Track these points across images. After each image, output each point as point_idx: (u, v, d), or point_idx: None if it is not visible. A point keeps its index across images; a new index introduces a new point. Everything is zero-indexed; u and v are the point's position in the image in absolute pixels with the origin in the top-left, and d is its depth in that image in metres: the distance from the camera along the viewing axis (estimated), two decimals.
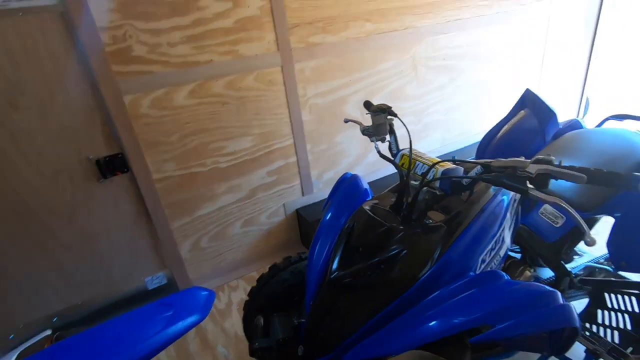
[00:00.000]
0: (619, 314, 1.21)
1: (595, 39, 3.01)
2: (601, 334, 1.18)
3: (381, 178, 2.48)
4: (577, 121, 1.61)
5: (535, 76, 2.93)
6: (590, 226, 1.26)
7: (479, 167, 0.82)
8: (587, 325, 1.22)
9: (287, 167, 2.10)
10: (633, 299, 1.17)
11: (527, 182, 0.71)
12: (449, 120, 2.62)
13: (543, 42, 2.83)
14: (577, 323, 0.69)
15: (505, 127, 1.71)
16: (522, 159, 0.73)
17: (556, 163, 0.70)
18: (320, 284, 0.96)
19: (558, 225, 1.13)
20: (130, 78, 1.55)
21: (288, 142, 2.04)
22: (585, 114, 1.57)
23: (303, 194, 2.21)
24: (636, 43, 3.13)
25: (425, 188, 0.91)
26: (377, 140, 1.11)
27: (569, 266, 1.24)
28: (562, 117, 1.66)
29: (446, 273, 0.84)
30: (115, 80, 1.51)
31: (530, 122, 1.65)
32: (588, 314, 1.28)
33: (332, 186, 1.27)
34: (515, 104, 1.76)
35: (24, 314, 1.67)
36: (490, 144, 1.73)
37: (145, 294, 1.95)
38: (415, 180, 0.96)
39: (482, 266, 0.90)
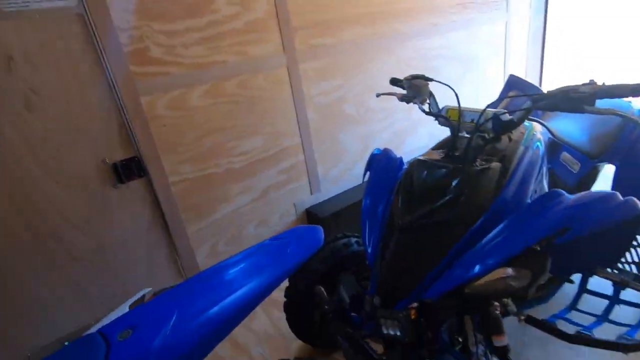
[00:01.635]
0: (633, 250, 1.37)
1: (546, 36, 3.45)
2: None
3: None
4: None
5: (500, 72, 3.26)
6: (596, 175, 1.43)
7: (528, 102, 0.94)
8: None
9: (296, 166, 2.14)
10: None
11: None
12: None
13: (502, 44, 3.19)
14: None
15: (500, 107, 1.90)
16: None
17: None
18: (385, 235, 1.01)
19: (575, 171, 1.28)
20: (148, 79, 1.55)
21: (296, 140, 2.10)
22: None
23: (312, 193, 2.25)
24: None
25: (475, 135, 1.01)
26: (419, 102, 1.21)
27: None
28: None
29: (507, 204, 0.92)
30: (133, 80, 1.51)
31: (522, 100, 1.85)
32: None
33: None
34: (503, 89, 1.96)
35: (32, 337, 1.51)
36: None
37: None
38: (464, 131, 1.06)
39: (534, 196, 1.00)
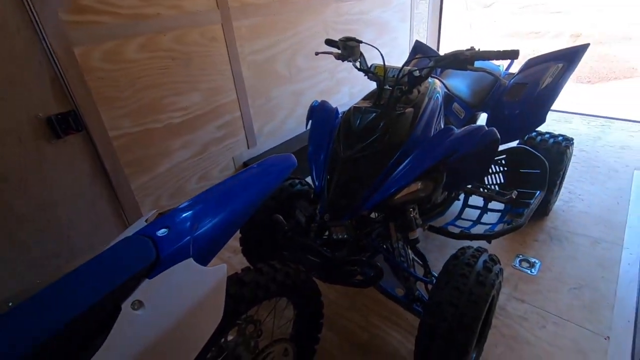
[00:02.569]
0: (496, 175, 1.91)
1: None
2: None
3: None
4: None
5: (406, 37, 3.70)
6: (475, 120, 1.91)
7: (431, 62, 1.26)
8: (481, 186, 1.87)
9: (233, 122, 2.26)
10: (500, 162, 1.88)
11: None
12: (353, 77, 3.13)
13: (409, 12, 3.59)
14: (498, 136, 1.22)
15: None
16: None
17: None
18: (329, 169, 1.28)
19: (461, 117, 1.71)
20: (80, 28, 1.49)
21: (232, 97, 2.20)
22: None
23: (248, 147, 2.41)
24: None
25: (396, 87, 1.31)
26: (352, 61, 1.46)
27: None
28: None
29: (418, 138, 1.26)
30: (64, 29, 1.44)
31: (425, 61, 2.24)
32: (479, 181, 1.96)
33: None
34: (411, 52, 2.33)
35: None
36: None
37: None
38: (387, 84, 1.35)
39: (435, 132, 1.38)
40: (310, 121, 1.52)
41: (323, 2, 2.61)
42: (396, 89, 1.31)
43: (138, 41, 1.69)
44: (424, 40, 4.01)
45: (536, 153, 1.74)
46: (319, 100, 1.59)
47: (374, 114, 1.26)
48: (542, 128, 1.96)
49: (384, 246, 1.32)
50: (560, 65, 1.72)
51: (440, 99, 1.43)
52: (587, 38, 7.33)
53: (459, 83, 1.77)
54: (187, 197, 2.14)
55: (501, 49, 1.14)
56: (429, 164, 1.16)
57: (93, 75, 1.57)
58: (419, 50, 2.29)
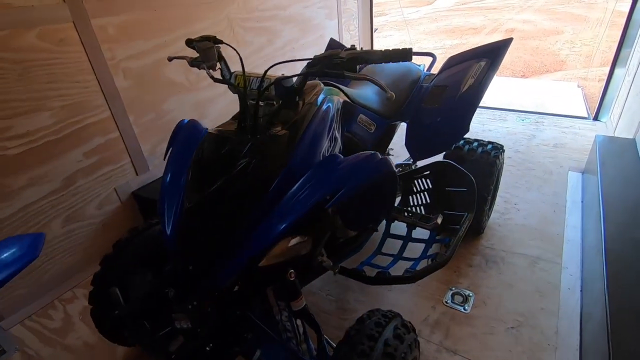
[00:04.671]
0: (421, 194, 1.64)
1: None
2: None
3: None
4: None
5: (336, 35, 3.40)
6: (392, 132, 1.62)
7: (304, 67, 0.94)
8: (405, 209, 1.59)
9: (110, 145, 1.81)
10: (425, 180, 1.61)
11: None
12: None
13: (335, 7, 3.29)
14: (394, 168, 0.92)
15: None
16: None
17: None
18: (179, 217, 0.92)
19: (372, 131, 1.41)
20: None
21: (104, 114, 1.75)
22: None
23: (137, 174, 1.97)
24: None
25: (264, 103, 0.97)
26: (209, 68, 1.09)
27: None
28: None
29: (297, 170, 0.93)
30: None
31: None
32: (403, 202, 1.67)
33: None
34: (325, 49, 2.02)
35: None
36: None
37: None
38: (253, 98, 1.00)
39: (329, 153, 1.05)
40: (170, 149, 1.14)
41: None
42: (265, 104, 0.97)
43: None
44: (356, 39, 3.75)
45: (461, 169, 1.48)
46: (188, 119, 1.22)
47: (233, 142, 0.91)
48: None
49: (263, 320, 0.97)
50: (483, 63, 1.48)
51: (332, 112, 1.10)
52: (519, 33, 7.55)
53: (367, 89, 1.47)
54: (47, 247, 1.67)
55: (390, 48, 0.84)
56: (303, 210, 0.83)
57: None
58: (333, 47, 1.98)
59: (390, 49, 0.83)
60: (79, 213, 1.75)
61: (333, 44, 1.99)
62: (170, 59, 1.19)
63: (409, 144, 1.55)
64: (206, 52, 1.06)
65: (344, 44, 3.53)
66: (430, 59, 1.86)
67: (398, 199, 1.70)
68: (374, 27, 5.22)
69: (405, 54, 0.82)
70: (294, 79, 0.96)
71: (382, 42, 8.11)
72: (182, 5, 1.99)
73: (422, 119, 1.52)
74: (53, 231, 1.67)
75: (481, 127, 3.01)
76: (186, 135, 1.12)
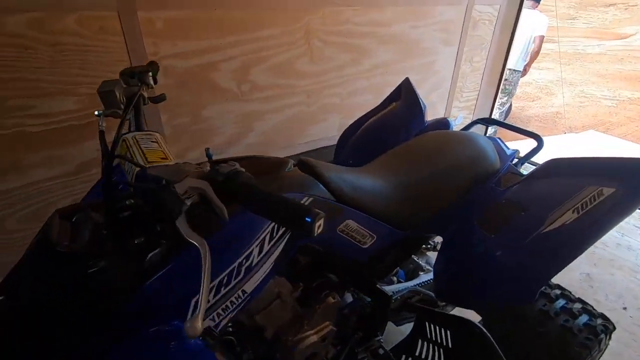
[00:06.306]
0: (436, 347, 1.07)
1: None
2: None
3: None
4: (447, 120, 1.44)
5: (450, 67, 2.78)
6: (412, 247, 1.09)
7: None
8: (404, 357, 1.08)
9: None
10: (449, 333, 1.04)
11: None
12: (349, 104, 2.39)
13: (459, 31, 2.67)
14: None
15: (373, 119, 1.51)
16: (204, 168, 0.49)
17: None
18: None
19: (366, 246, 0.93)
20: None
21: None
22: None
23: None
24: None
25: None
26: (106, 116, 0.79)
27: (391, 288, 1.08)
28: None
29: (143, 315, 0.58)
30: None
31: (400, 114, 1.45)
32: (409, 344, 1.13)
33: None
34: (390, 94, 1.56)
35: None
36: (354, 135, 1.52)
37: None
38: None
39: (215, 312, 0.66)
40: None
41: (309, 3, 1.92)
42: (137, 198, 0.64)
43: None
44: (478, 74, 3.02)
45: (492, 345, 0.89)
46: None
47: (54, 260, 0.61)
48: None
49: None
50: (609, 190, 0.83)
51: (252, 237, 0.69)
52: None
53: (379, 178, 0.98)
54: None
55: (288, 199, 0.41)
56: None
57: None
58: (403, 93, 1.50)
59: (288, 201, 0.40)
60: None
61: (405, 86, 1.49)
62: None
63: (440, 269, 1.01)
64: (106, 94, 0.76)
65: (461, 78, 2.88)
66: (531, 142, 1.22)
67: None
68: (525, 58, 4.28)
69: (300, 222, 0.38)
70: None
71: (530, 78, 6.72)
72: (250, 7, 1.77)
73: (470, 242, 0.96)
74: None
75: (617, 237, 2.07)
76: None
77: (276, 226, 0.73)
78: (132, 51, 1.55)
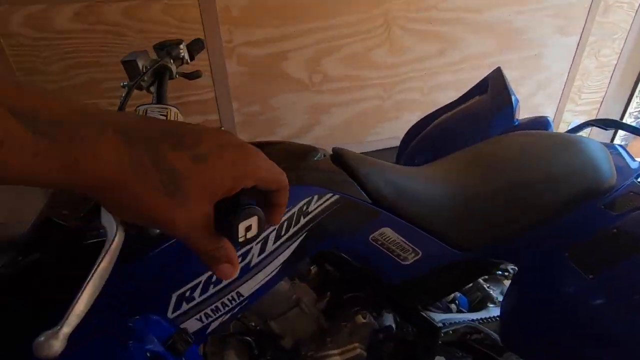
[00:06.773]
0: None
1: None
2: None
3: None
4: (547, 119, 1.13)
5: (566, 61, 2.30)
6: (471, 274, 0.84)
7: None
8: None
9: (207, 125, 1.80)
10: None
11: None
12: (429, 101, 2.13)
13: (583, 18, 2.19)
14: None
15: (448, 114, 1.28)
16: None
17: None
18: None
19: (407, 263, 0.73)
20: None
21: (208, 95, 1.74)
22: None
23: None
24: None
25: None
26: (131, 87, 0.77)
27: (443, 317, 0.86)
28: None
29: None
30: None
31: (482, 109, 1.20)
32: None
33: None
34: (474, 86, 1.31)
35: None
36: (425, 130, 1.31)
37: None
38: None
39: (203, 312, 0.57)
40: None
41: None
42: None
43: (72, 8, 1.42)
44: (607, 70, 2.43)
45: None
46: None
47: None
48: None
49: None
50: None
51: None
52: None
53: (439, 181, 0.77)
54: None
55: None
56: None
57: (10, 41, 1.40)
58: (491, 85, 1.24)
59: None
60: None
61: (493, 78, 1.22)
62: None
63: (508, 311, 0.76)
64: (127, 65, 0.75)
65: (580, 75, 2.36)
66: None
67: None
68: None
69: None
70: None
71: None
72: None
73: (559, 279, 0.70)
74: None
75: None
76: None
77: (285, 225, 0.62)
78: (208, 38, 1.61)
